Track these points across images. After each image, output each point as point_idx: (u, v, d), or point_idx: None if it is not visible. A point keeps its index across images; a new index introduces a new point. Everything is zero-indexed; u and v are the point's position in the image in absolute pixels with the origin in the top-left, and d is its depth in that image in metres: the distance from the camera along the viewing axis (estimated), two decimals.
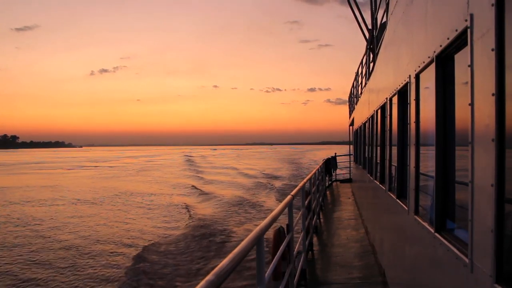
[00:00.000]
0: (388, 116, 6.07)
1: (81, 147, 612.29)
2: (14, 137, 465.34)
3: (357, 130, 15.30)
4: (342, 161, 24.36)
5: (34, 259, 13.75)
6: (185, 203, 25.47)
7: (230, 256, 2.05)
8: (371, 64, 10.24)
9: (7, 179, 48.00)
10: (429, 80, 3.39)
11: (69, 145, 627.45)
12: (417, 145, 3.93)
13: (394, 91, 5.23)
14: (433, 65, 3.17)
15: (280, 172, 51.10)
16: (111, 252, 14.38)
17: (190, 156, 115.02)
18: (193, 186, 35.73)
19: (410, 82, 4.14)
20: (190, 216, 21.15)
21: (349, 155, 21.56)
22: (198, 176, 46.02)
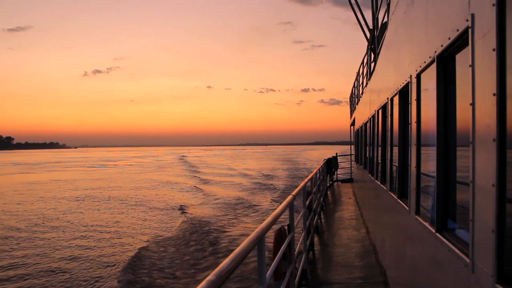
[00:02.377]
0: (389, 116, 6.06)
1: (75, 148, 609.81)
2: (9, 138, 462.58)
3: (358, 130, 15.29)
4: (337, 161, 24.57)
5: (155, 209, 23.87)
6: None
7: (231, 256, 2.05)
8: (372, 64, 10.24)
9: (55, 174, 55.25)
10: (430, 80, 3.39)
11: (63, 146, 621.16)
12: (418, 145, 3.92)
13: (395, 91, 5.23)
14: (434, 65, 3.17)
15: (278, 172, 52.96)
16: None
17: (188, 157, 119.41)
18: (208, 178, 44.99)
19: (411, 82, 4.14)
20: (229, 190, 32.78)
21: (350, 155, 21.56)
22: (206, 174, 51.79)
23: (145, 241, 15.71)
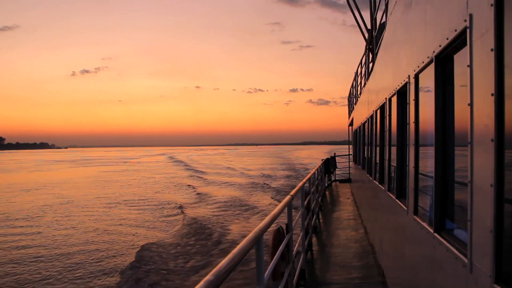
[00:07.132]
0: (388, 116, 6.07)
1: (66, 148, 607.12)
2: (1, 139, 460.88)
3: (356, 130, 15.30)
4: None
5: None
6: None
7: (230, 256, 2.05)
8: (370, 65, 10.24)
9: (111, 168, 66.42)
10: (428, 80, 3.39)
11: (53, 146, 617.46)
12: (417, 145, 3.92)
13: (394, 91, 5.23)
14: (432, 65, 3.17)
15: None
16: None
17: (191, 156, 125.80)
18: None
19: (409, 82, 4.14)
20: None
21: (348, 155, 21.59)
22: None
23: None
